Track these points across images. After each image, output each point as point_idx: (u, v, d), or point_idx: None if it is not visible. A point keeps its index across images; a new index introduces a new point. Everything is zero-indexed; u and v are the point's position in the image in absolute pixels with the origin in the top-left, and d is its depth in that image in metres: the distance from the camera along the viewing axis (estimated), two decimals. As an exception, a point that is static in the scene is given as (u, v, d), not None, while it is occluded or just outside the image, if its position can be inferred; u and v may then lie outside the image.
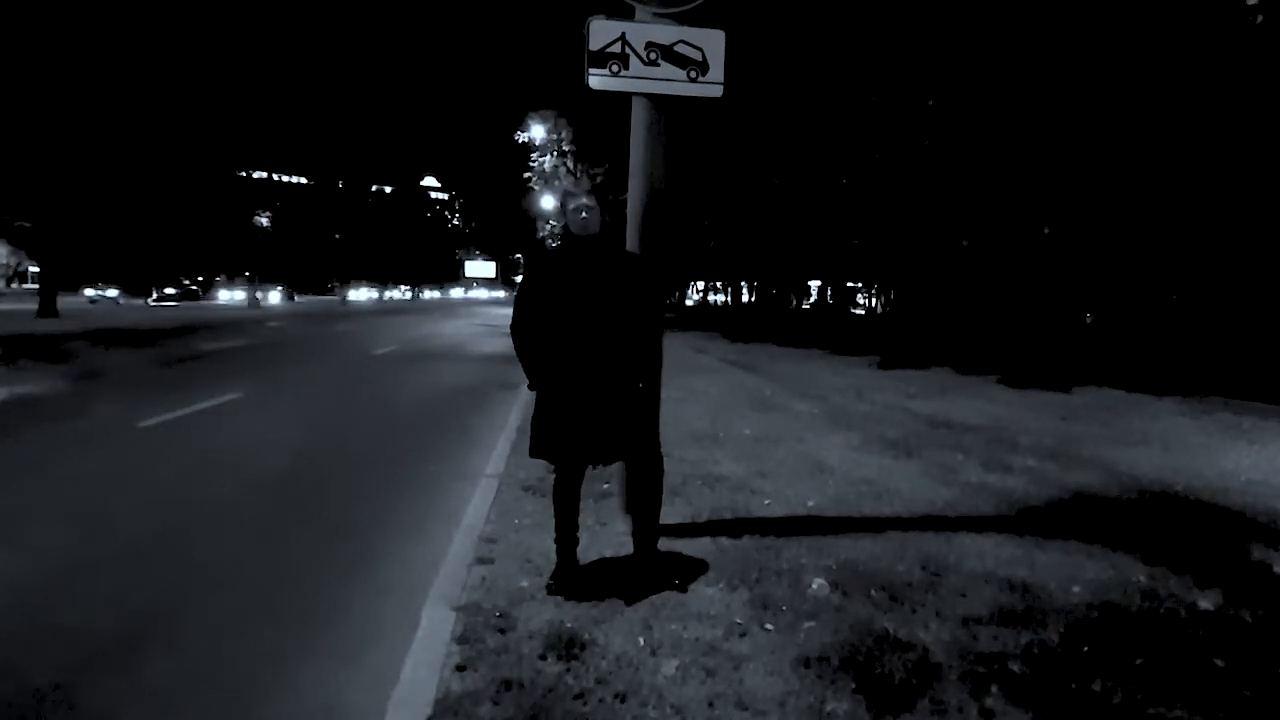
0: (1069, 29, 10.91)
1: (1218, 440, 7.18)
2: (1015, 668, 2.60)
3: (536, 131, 33.16)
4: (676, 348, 16.07)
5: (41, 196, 25.31)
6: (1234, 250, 11.96)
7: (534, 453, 3.08)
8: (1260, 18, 10.09)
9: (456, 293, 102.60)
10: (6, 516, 4.15)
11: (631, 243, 3.65)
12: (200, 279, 57.00)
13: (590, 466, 3.14)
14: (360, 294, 73.74)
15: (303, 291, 70.52)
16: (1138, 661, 2.66)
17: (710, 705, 2.33)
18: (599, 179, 28.77)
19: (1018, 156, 11.96)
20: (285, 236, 67.85)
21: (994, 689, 2.45)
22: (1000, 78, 11.72)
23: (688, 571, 3.36)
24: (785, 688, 2.44)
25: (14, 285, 57.15)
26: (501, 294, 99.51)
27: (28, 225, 29.89)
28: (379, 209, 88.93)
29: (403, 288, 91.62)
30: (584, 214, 3.02)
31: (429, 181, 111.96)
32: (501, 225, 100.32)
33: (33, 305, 28.51)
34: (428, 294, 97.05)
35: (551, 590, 3.12)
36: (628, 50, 3.55)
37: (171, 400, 7.96)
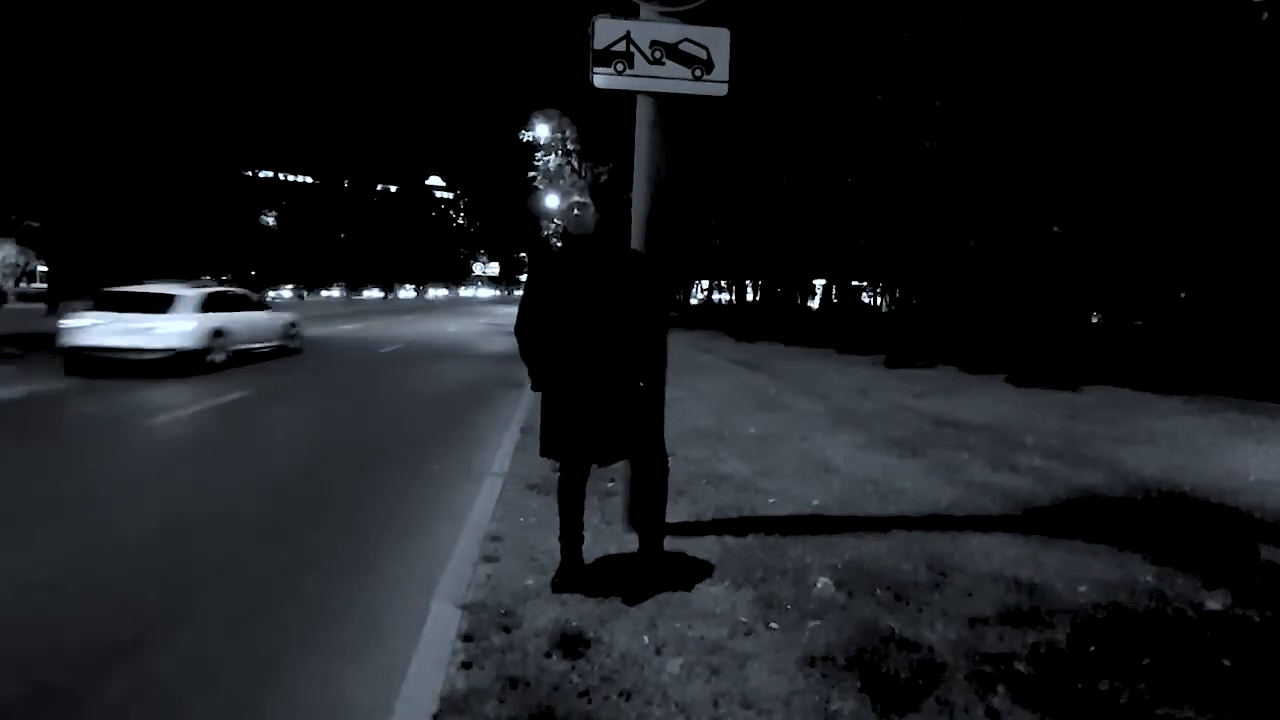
0: (1077, 27, 10.86)
1: (1225, 440, 7.14)
2: (1021, 668, 2.59)
3: (541, 131, 33.20)
4: (681, 347, 16.06)
5: (49, 196, 25.45)
6: (1242, 249, 11.89)
7: (544, 452, 3.11)
8: (1266, 15, 10.02)
9: (438, 292, 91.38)
10: (16, 513, 4.17)
11: (636, 241, 3.64)
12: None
13: (595, 465, 3.15)
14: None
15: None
16: (1145, 662, 2.65)
17: (715, 704, 2.33)
18: (604, 178, 28.78)
19: (1025, 156, 11.91)
20: (291, 236, 67.85)
21: (1000, 689, 2.45)
22: (1007, 77, 11.67)
23: (692, 570, 3.36)
24: (790, 687, 2.43)
25: (22, 284, 57.46)
26: (499, 293, 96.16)
27: (36, 225, 30.05)
28: (384, 208, 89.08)
29: (407, 286, 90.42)
30: (577, 212, 3.06)
31: (434, 181, 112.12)
32: (507, 225, 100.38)
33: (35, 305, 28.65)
34: (394, 292, 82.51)
35: (556, 588, 3.12)
36: (632, 49, 3.55)
37: (180, 398, 8.00)
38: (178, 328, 9.98)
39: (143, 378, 9.50)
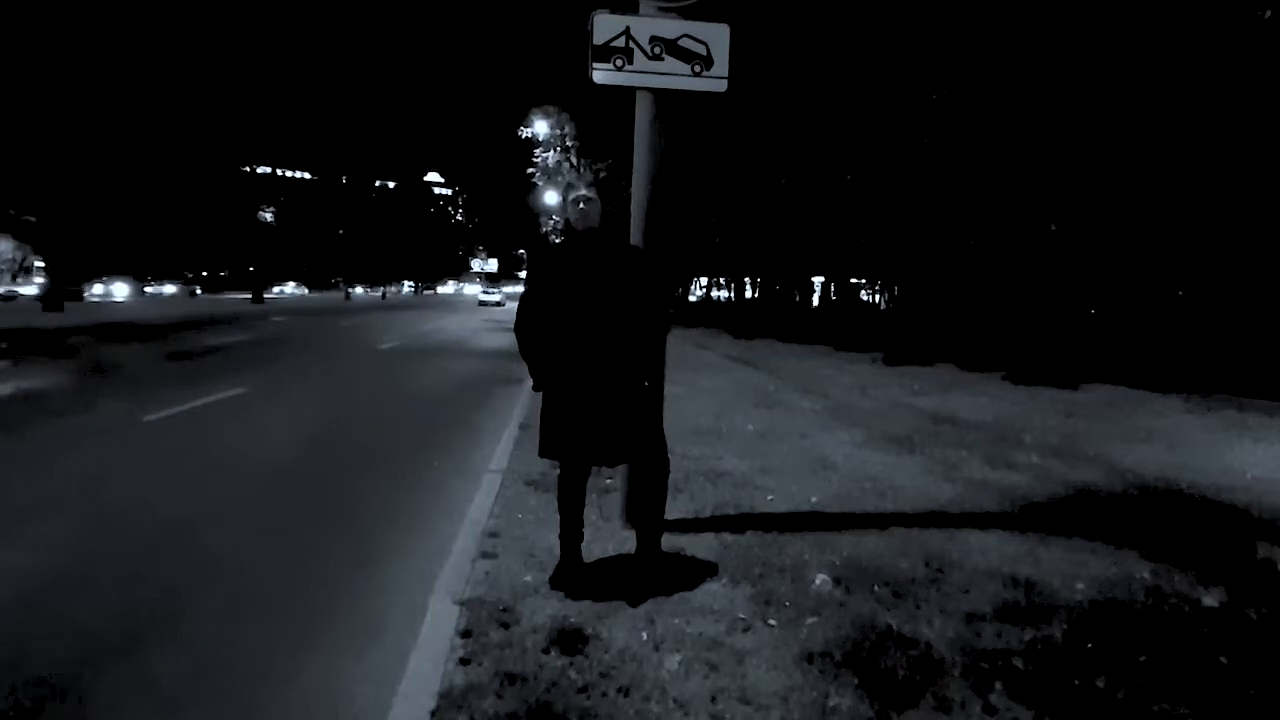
0: (1076, 23, 10.84)
1: (1223, 437, 7.15)
2: (1019, 664, 2.59)
3: (540, 127, 33.14)
4: (680, 344, 16.06)
5: (47, 191, 25.38)
6: (1241, 247, 11.90)
7: (543, 453, 3.06)
8: (1269, 13, 10.01)
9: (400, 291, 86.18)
10: (14, 512, 4.17)
11: (635, 238, 3.63)
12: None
13: (598, 467, 3.13)
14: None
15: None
16: (1141, 659, 2.66)
17: (713, 700, 2.33)
18: (602, 174, 28.73)
19: (1024, 152, 11.90)
20: (289, 232, 67.70)
21: (997, 685, 2.45)
22: (1006, 72, 11.66)
23: (691, 567, 3.37)
24: (788, 683, 2.44)
25: (19, 280, 57.32)
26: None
27: (33, 220, 29.99)
28: (382, 205, 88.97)
29: (407, 283, 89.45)
30: (583, 205, 3.00)
31: (432, 177, 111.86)
32: (505, 221, 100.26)
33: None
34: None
35: (555, 585, 3.12)
36: (632, 45, 3.54)
37: (177, 395, 7.99)
38: (498, 295, 50.55)
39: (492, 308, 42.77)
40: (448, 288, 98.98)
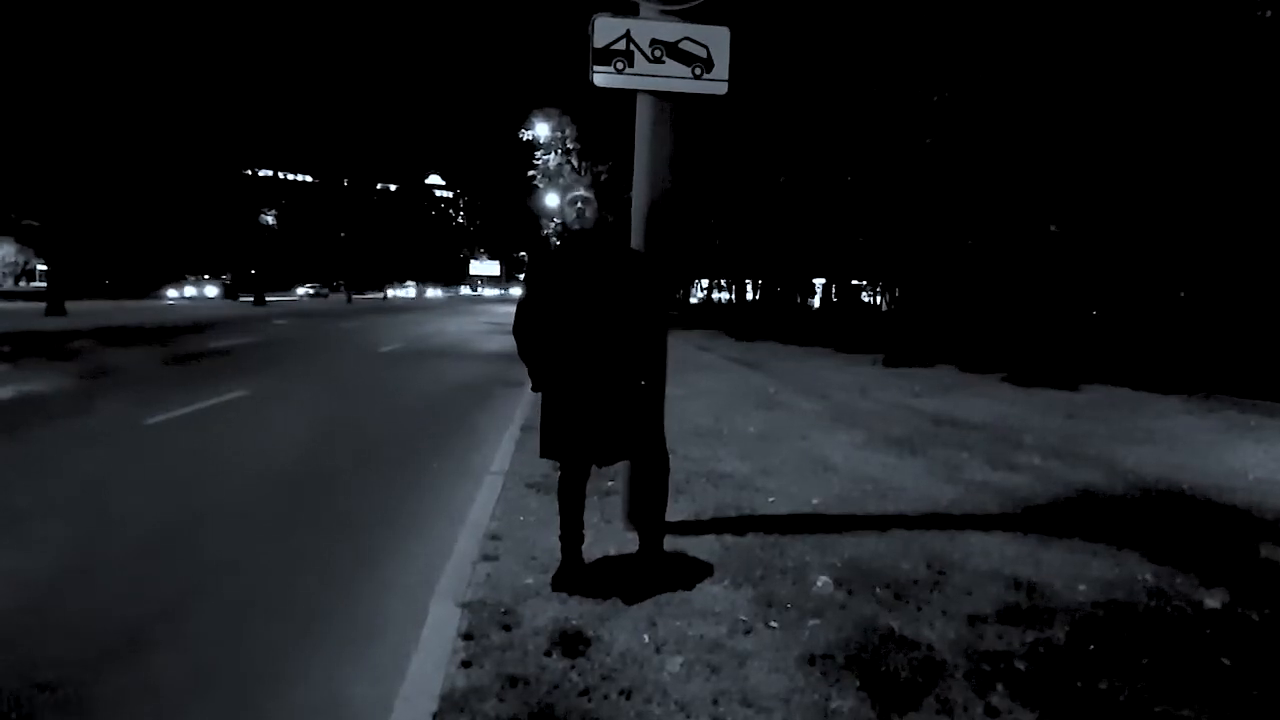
0: (1076, 24, 10.85)
1: (1224, 438, 7.14)
2: (1021, 666, 2.59)
3: (541, 129, 33.09)
4: (681, 346, 16.06)
5: (49, 195, 25.42)
6: (1241, 248, 11.89)
7: (544, 453, 3.10)
8: (1269, 13, 10.02)
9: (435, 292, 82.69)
10: (15, 514, 4.17)
11: (636, 240, 3.64)
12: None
13: (596, 466, 3.15)
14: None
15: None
16: (1144, 660, 2.66)
17: (715, 702, 2.33)
18: (604, 176, 28.74)
19: (1024, 153, 11.91)
20: (290, 234, 67.73)
21: (999, 687, 2.45)
22: (1006, 73, 11.67)
23: (692, 569, 3.37)
24: (790, 685, 2.44)
25: (21, 284, 57.45)
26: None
27: (35, 224, 30.04)
28: (383, 207, 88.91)
29: (408, 284, 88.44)
30: (579, 205, 3.04)
31: (434, 180, 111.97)
32: (507, 224, 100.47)
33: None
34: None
35: (556, 587, 3.12)
36: (632, 47, 3.55)
37: (177, 398, 8.00)
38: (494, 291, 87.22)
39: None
40: (408, 290, 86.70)
